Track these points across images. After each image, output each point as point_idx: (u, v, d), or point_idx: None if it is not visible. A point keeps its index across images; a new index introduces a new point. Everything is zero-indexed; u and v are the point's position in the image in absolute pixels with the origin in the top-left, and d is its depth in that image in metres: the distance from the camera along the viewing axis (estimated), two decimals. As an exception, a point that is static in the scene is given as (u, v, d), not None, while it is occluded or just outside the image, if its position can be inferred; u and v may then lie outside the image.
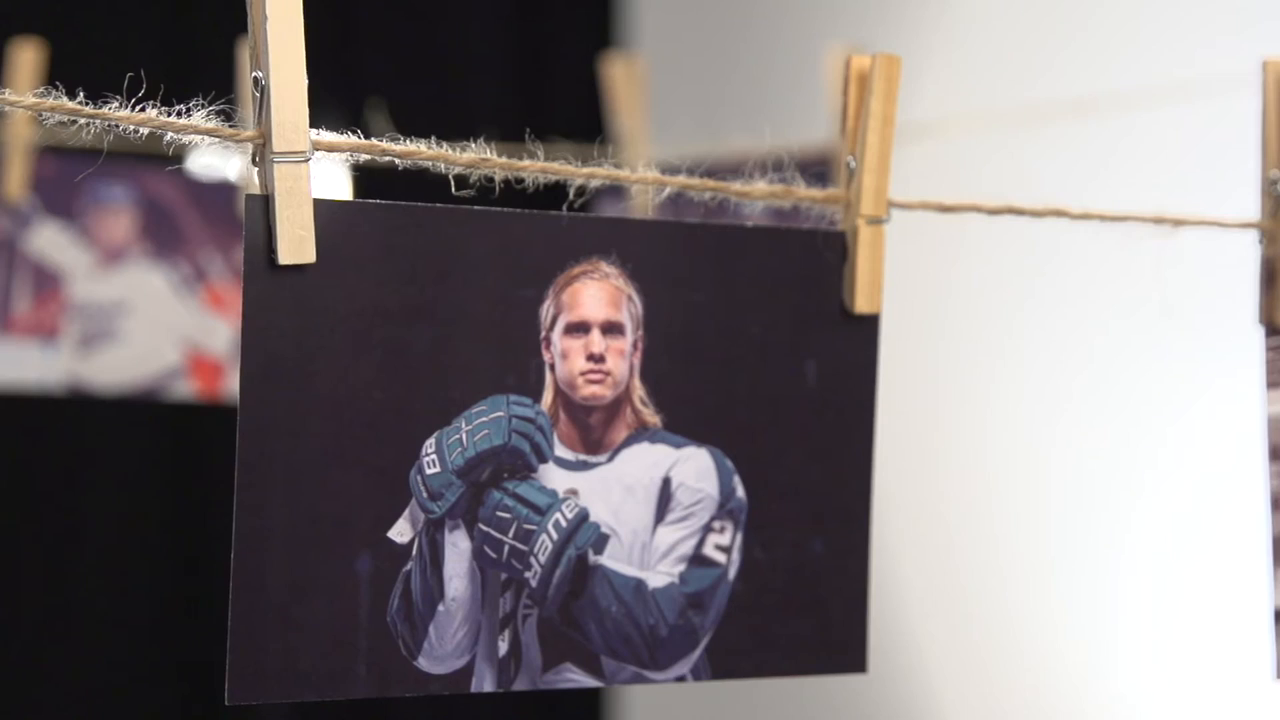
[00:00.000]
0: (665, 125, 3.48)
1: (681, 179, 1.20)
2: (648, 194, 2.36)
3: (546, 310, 1.17)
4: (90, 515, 3.13)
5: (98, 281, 2.38)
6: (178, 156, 1.03)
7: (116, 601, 3.13)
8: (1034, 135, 2.68)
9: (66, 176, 2.33)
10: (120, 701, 3.12)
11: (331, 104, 3.13)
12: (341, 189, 2.35)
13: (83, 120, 1.06)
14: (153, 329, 2.39)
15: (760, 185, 1.24)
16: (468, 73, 3.51)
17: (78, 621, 3.12)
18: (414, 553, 1.14)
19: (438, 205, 1.14)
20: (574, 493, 1.18)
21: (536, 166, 1.16)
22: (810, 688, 2.97)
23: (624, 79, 2.65)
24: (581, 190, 1.19)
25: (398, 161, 1.13)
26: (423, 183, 1.22)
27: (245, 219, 1.07)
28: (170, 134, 1.08)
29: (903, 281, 2.76)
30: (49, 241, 2.36)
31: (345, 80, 3.31)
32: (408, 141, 1.13)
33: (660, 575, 1.21)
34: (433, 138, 1.13)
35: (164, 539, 3.12)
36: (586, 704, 3.48)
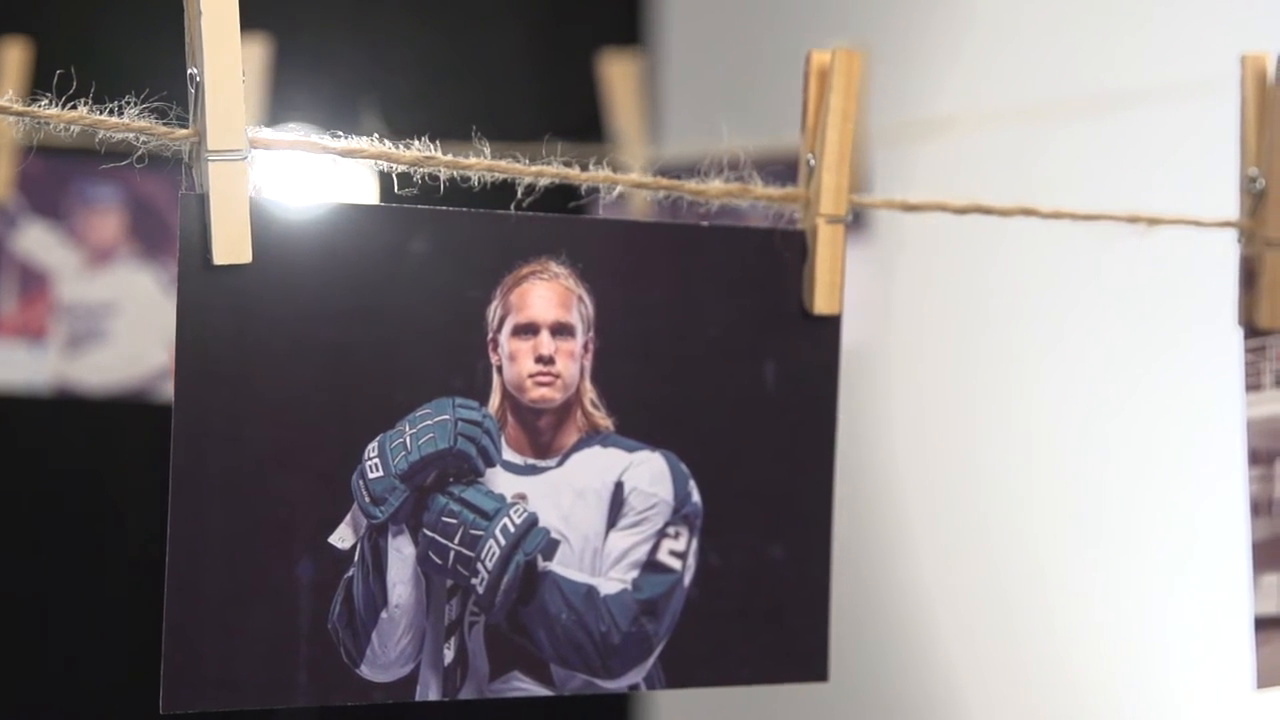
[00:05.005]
0: (685, 125, 3.47)
1: (634, 177, 1.18)
2: (644, 196, 2.34)
3: (494, 311, 1.14)
4: (78, 516, 3.12)
5: (85, 282, 2.37)
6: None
7: (106, 601, 3.12)
8: (1022, 135, 2.66)
9: (54, 176, 2.32)
10: (111, 702, 3.12)
11: (346, 106, 3.13)
12: (368, 194, 2.33)
13: (11, 119, 1.04)
14: (141, 330, 2.38)
15: (716, 184, 1.21)
16: (493, 75, 3.50)
17: (67, 621, 3.11)
18: (356, 558, 1.12)
19: (380, 204, 1.12)
20: (522, 497, 1.16)
21: (482, 165, 1.13)
22: (832, 691, 2.94)
23: (621, 78, 2.62)
24: (531, 189, 1.16)
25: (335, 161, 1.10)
26: (462, 190, 1.18)
27: (180, 217, 1.05)
28: (103, 132, 1.06)
29: (890, 283, 2.75)
30: (36, 242, 2.34)
31: (369, 83, 3.31)
32: (351, 138, 1.11)
33: (612, 581, 1.18)
34: (375, 135, 1.11)
35: (153, 540, 3.11)
36: (614, 706, 3.48)
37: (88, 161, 2.29)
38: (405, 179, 1.13)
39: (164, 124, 1.06)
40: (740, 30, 3.53)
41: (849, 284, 2.36)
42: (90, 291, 2.38)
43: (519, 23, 3.59)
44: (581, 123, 2.93)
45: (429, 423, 1.13)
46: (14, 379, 2.36)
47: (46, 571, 3.11)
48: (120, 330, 2.39)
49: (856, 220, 2.45)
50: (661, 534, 1.20)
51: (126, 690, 3.13)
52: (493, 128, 1.95)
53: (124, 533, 3.13)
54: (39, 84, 1.10)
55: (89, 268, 2.38)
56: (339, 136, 1.11)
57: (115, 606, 3.12)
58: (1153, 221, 1.36)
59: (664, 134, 3.48)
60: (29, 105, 1.04)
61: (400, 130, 1.18)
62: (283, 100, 2.68)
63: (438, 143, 1.13)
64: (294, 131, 1.11)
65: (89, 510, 3.13)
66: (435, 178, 1.14)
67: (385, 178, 1.16)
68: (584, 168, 1.17)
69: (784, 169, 1.28)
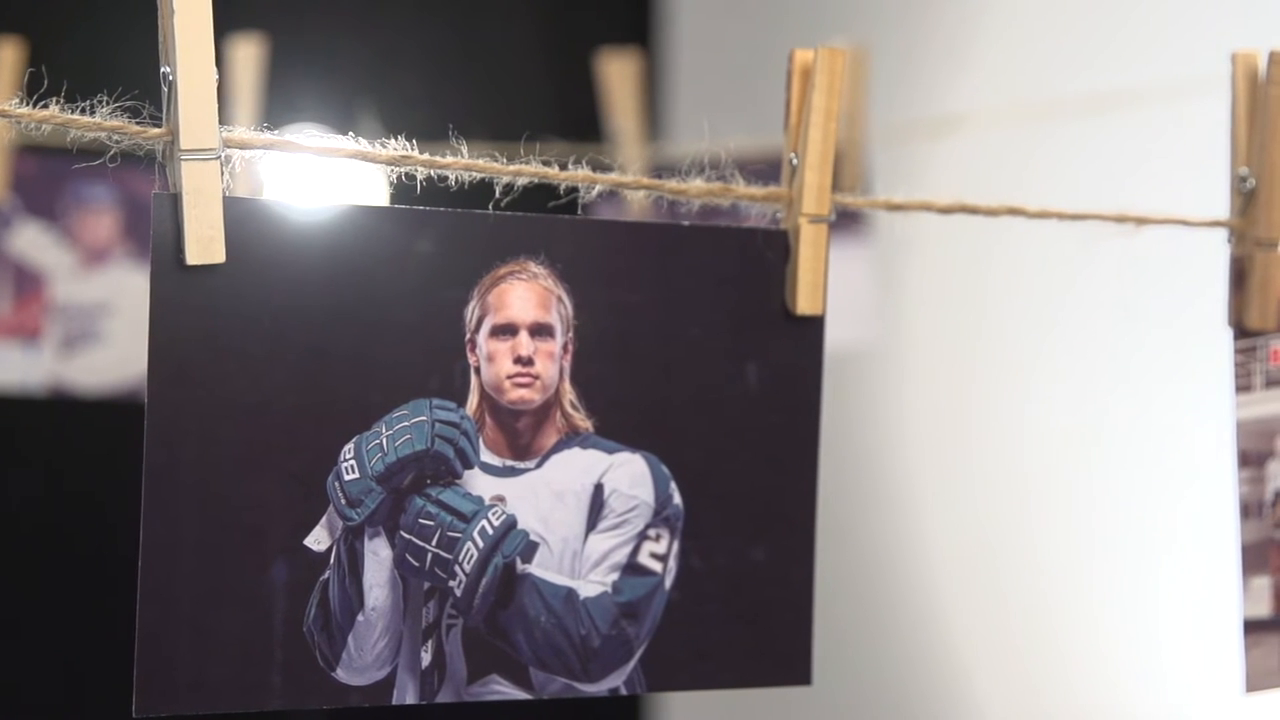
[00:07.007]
0: (691, 123, 3.46)
1: (613, 177, 1.17)
2: (640, 196, 2.34)
3: (471, 312, 1.13)
4: (72, 517, 3.11)
5: (80, 282, 2.36)
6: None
7: (100, 602, 3.11)
8: (1018, 135, 2.65)
9: (49, 177, 2.31)
10: (106, 704, 3.11)
11: (345, 106, 3.12)
12: (379, 198, 2.32)
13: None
14: (136, 330, 2.37)
15: (697, 183, 1.20)
16: (498, 74, 3.50)
17: (61, 622, 3.11)
18: (332, 561, 1.11)
19: (356, 204, 1.11)
20: (501, 499, 1.15)
21: (460, 164, 1.12)
22: (842, 693, 2.94)
23: (620, 77, 2.62)
24: (509, 188, 1.15)
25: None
26: (461, 191, 1.17)
27: (153, 217, 1.05)
28: (75, 131, 1.05)
29: (891, 284, 2.74)
30: (31, 242, 2.34)
31: (369, 83, 3.30)
32: (329, 137, 1.10)
33: (592, 584, 1.17)
34: (350, 133, 1.10)
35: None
36: (622, 706, 3.48)
37: (82, 162, 2.28)
38: (408, 179, 1.13)
39: (137, 123, 1.05)
40: (746, 29, 3.53)
41: (850, 284, 2.34)
42: (85, 292, 2.37)
43: (525, 21, 3.58)
44: (587, 122, 2.92)
45: (406, 424, 1.12)
46: (9, 379, 2.36)
47: (40, 572, 3.11)
48: (115, 331, 2.39)
49: (857, 220, 2.45)
50: (642, 536, 1.19)
51: (124, 691, 3.13)
52: (498, 127, 1.94)
53: (118, 533, 3.12)
54: (34, 84, 1.09)
55: (83, 268, 2.37)
56: (316, 135, 1.10)
57: (109, 607, 3.11)
58: (1142, 221, 1.35)
59: (671, 133, 3.47)
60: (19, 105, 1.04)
61: (403, 130, 1.17)
62: (282, 100, 2.67)
63: (414, 141, 1.12)
64: (278, 131, 1.10)
65: (83, 511, 3.12)
66: (444, 178, 1.13)
67: (403, 181, 1.15)
68: (563, 167, 1.16)
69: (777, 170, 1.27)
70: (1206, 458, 2.26)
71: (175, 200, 1.04)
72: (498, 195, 1.14)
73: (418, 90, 3.35)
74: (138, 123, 1.05)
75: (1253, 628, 1.35)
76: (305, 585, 1.10)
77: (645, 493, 1.19)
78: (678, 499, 1.20)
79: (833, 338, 1.26)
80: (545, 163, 1.15)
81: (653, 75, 3.51)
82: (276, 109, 2.52)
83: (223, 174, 1.05)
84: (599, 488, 1.18)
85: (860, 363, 2.89)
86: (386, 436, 1.11)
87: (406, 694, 1.13)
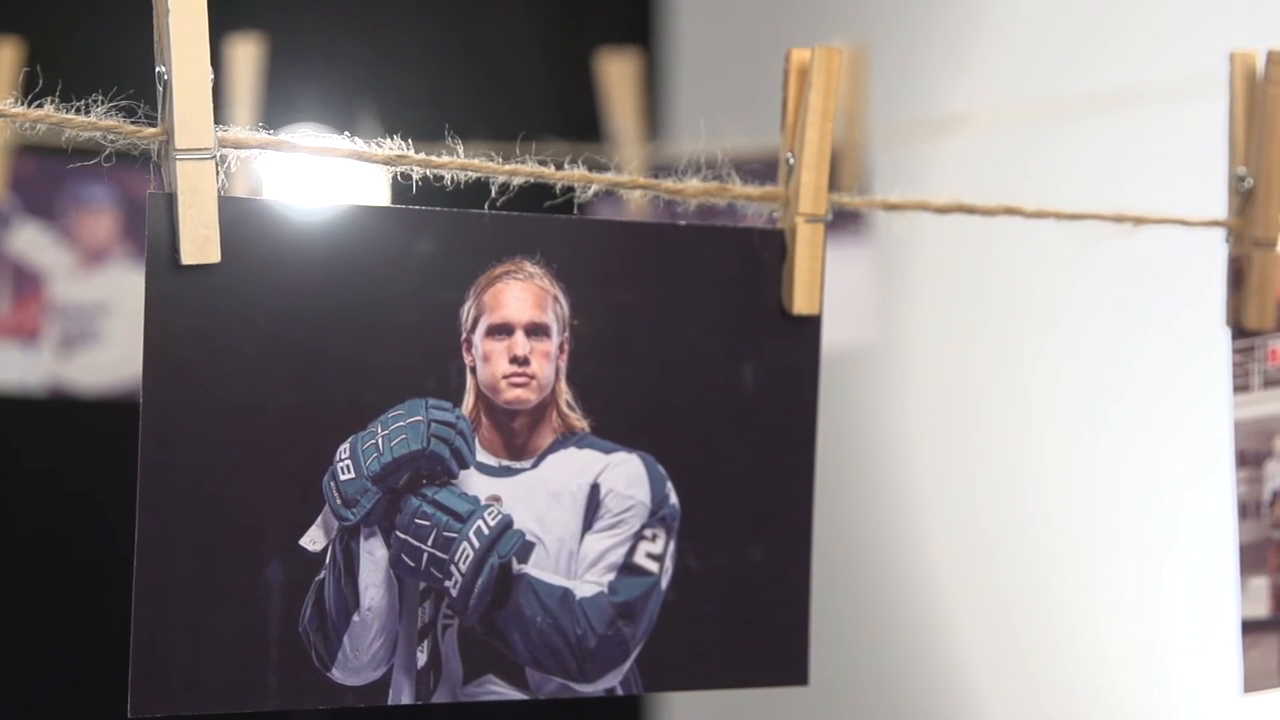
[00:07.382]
0: (694, 123, 3.46)
1: (609, 176, 1.17)
2: (637, 196, 2.33)
3: (467, 311, 1.13)
4: (72, 517, 3.11)
5: (79, 282, 2.36)
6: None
7: (99, 602, 3.11)
8: (1017, 134, 2.65)
9: (48, 177, 2.31)
10: (106, 704, 3.11)
11: (346, 106, 3.12)
12: (380, 197, 2.32)
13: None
14: (135, 330, 2.36)
15: (694, 183, 1.20)
16: (499, 74, 3.50)
17: (60, 622, 3.11)
18: (327, 561, 1.11)
19: (351, 204, 1.11)
20: (496, 499, 1.15)
21: (455, 164, 1.12)
22: (847, 693, 2.94)
23: (620, 77, 2.61)
24: (505, 188, 1.15)
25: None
26: (462, 191, 1.17)
27: (148, 217, 1.05)
28: (69, 130, 1.05)
29: (893, 283, 2.74)
30: (29, 242, 2.34)
31: (369, 83, 3.30)
32: (324, 137, 1.10)
33: (588, 584, 1.17)
34: (346, 133, 1.10)
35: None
36: (625, 706, 3.48)
37: (79, 161, 2.28)
38: (405, 178, 1.13)
39: (132, 122, 1.05)
40: (746, 29, 3.53)
41: (849, 284, 2.34)
42: (83, 292, 2.37)
43: (525, 21, 3.58)
44: (587, 122, 2.92)
45: (401, 424, 1.12)
46: (8, 379, 2.36)
47: (40, 572, 3.11)
48: (113, 331, 2.39)
49: (856, 220, 2.45)
50: (638, 536, 1.18)
51: (123, 691, 3.13)
52: (498, 127, 1.94)
53: (118, 533, 3.12)
54: (30, 83, 1.09)
55: (82, 268, 2.37)
56: (312, 135, 1.10)
57: (109, 607, 3.11)
58: (1140, 221, 1.35)
59: (670, 133, 3.47)
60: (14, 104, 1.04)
61: (403, 130, 1.17)
62: (281, 100, 2.67)
63: (410, 141, 1.12)
64: (276, 131, 1.10)
65: (83, 511, 3.12)
66: (440, 178, 1.13)
67: (398, 180, 1.15)
68: (559, 166, 1.16)
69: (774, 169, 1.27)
70: (1204, 458, 2.26)
71: (170, 200, 1.04)
72: (494, 195, 1.14)
73: (418, 90, 3.35)
74: (133, 122, 1.05)
75: (1251, 628, 1.35)
76: (301, 585, 1.10)
77: (641, 493, 1.18)
78: (674, 499, 1.19)
79: (832, 338, 1.26)
80: (541, 162, 1.15)
81: (652, 75, 3.51)
82: (276, 109, 2.52)
83: (218, 173, 1.04)
84: (595, 488, 1.17)
85: (860, 363, 2.89)
86: (382, 436, 1.11)
87: (402, 694, 1.13)
